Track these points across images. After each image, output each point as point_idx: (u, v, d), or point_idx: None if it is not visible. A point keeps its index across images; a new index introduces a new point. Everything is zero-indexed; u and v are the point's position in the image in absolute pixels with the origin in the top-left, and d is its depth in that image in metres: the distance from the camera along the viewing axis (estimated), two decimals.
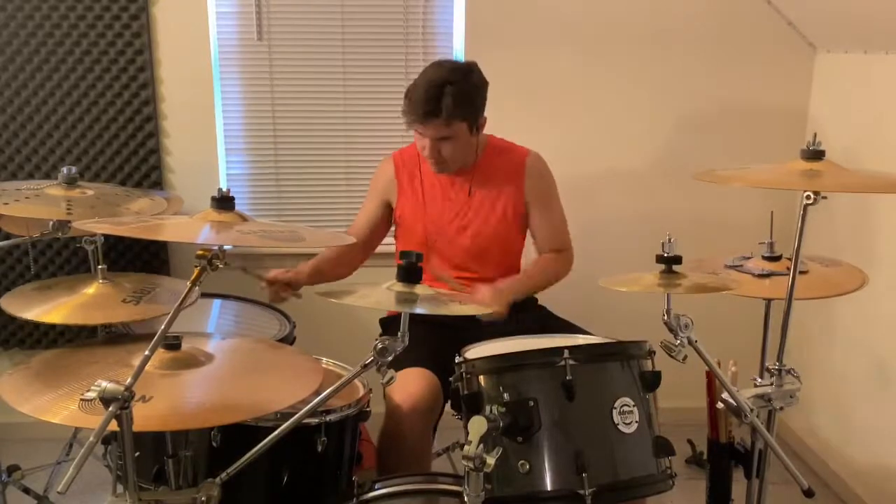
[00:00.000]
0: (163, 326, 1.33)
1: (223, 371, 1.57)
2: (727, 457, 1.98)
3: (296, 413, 1.47)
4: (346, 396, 1.77)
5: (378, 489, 1.67)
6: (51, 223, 1.86)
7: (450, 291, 2.04)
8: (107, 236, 2.01)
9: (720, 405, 1.72)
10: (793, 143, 1.87)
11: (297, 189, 2.95)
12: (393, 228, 2.41)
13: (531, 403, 1.51)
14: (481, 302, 2.06)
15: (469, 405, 1.56)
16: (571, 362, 1.53)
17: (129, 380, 1.27)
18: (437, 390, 2.00)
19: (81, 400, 1.36)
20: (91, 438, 1.21)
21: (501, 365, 1.59)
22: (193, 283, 1.35)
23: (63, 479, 1.18)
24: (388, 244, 2.59)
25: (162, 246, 2.87)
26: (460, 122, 2.11)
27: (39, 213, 1.85)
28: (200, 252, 1.34)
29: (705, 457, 2.07)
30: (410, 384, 1.95)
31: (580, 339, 1.99)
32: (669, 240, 1.55)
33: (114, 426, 1.26)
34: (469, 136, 2.16)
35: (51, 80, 2.70)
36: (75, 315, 1.73)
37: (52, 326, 2.77)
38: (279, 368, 1.66)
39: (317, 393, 1.49)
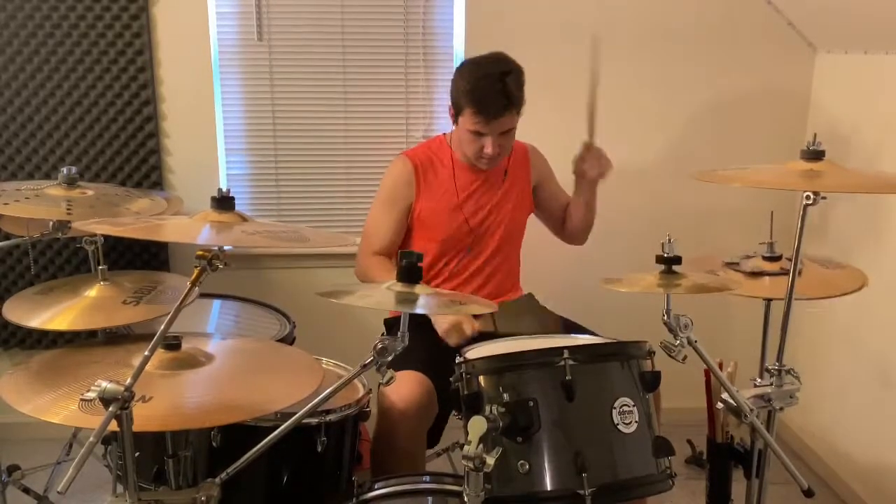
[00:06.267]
0: (163, 326, 1.34)
1: (223, 371, 1.57)
2: (727, 457, 1.98)
3: (296, 413, 1.47)
4: (346, 396, 1.77)
5: (378, 489, 1.67)
6: (51, 223, 1.86)
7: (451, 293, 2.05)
8: (107, 236, 2.01)
9: (719, 405, 1.72)
10: (793, 143, 1.87)
11: (297, 189, 2.94)
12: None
13: (531, 403, 1.51)
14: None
15: (469, 405, 1.56)
16: (571, 362, 1.53)
17: (129, 380, 1.27)
18: (431, 394, 2.00)
19: (81, 400, 1.37)
20: (91, 438, 1.21)
21: (501, 365, 1.59)
22: (193, 284, 1.35)
23: (63, 479, 1.18)
24: None
25: (162, 246, 2.87)
26: (520, 111, 2.19)
27: (39, 213, 1.85)
28: (200, 252, 1.34)
29: (705, 457, 2.07)
30: (403, 387, 1.95)
31: (580, 339, 1.99)
32: (669, 240, 1.55)
33: (114, 426, 1.26)
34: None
35: (51, 81, 2.70)
36: (78, 321, 1.73)
37: None
38: (279, 368, 1.66)
39: (317, 393, 1.49)
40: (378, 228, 2.32)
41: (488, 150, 2.17)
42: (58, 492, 1.20)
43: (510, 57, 2.19)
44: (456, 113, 2.19)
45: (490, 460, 1.35)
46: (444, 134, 2.39)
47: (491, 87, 2.10)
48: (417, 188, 2.31)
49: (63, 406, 1.38)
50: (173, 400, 1.42)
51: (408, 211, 2.32)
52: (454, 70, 2.24)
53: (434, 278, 2.33)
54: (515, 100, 2.13)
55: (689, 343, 1.52)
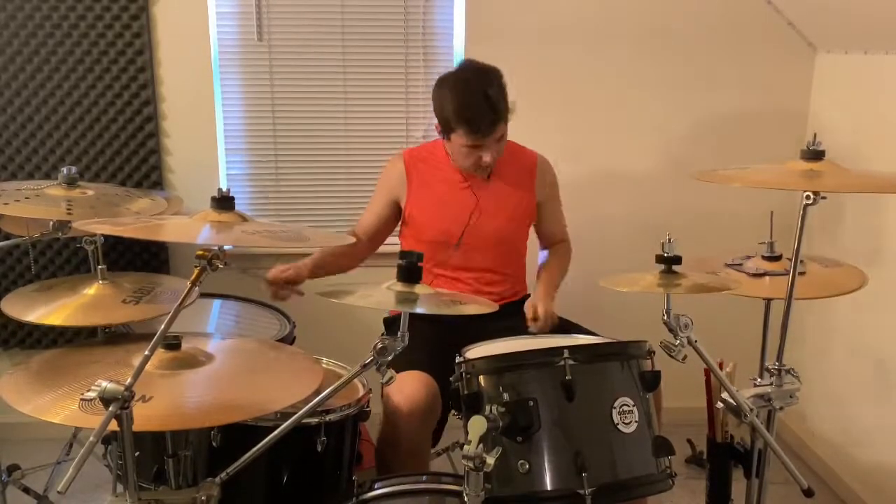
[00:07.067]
0: (163, 326, 1.34)
1: (223, 371, 1.57)
2: (727, 456, 1.98)
3: (296, 413, 1.47)
4: (346, 396, 1.77)
5: (378, 489, 1.67)
6: (51, 223, 1.86)
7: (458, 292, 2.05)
8: (107, 236, 2.01)
9: (719, 405, 1.72)
10: (793, 143, 1.87)
11: (297, 189, 2.95)
12: (398, 227, 2.42)
13: (531, 403, 1.51)
14: (544, 321, 2.11)
15: (469, 405, 1.57)
16: (571, 362, 1.53)
17: (129, 380, 1.27)
18: (435, 393, 1.99)
19: (81, 400, 1.37)
20: (91, 438, 1.21)
21: (501, 365, 1.59)
22: (193, 284, 1.35)
23: (63, 479, 1.18)
24: (390, 244, 2.59)
25: (162, 246, 2.87)
26: (507, 118, 2.18)
27: (39, 213, 1.85)
28: (200, 252, 1.34)
29: (705, 456, 2.07)
30: (407, 387, 1.95)
31: (580, 339, 1.99)
32: (669, 240, 1.55)
33: (114, 426, 1.26)
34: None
35: (51, 81, 2.70)
36: (76, 317, 1.73)
37: (52, 326, 2.76)
38: (279, 368, 1.66)
39: (317, 393, 1.49)
40: (364, 213, 2.41)
41: (487, 158, 2.17)
42: (58, 492, 1.20)
43: (483, 64, 2.18)
44: (446, 131, 2.18)
45: (490, 460, 1.35)
46: None
47: (478, 106, 2.09)
48: (409, 186, 2.32)
49: (63, 406, 1.38)
50: (173, 400, 1.42)
51: (393, 205, 2.35)
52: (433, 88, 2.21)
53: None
54: (502, 111, 2.13)
55: (689, 343, 1.52)
